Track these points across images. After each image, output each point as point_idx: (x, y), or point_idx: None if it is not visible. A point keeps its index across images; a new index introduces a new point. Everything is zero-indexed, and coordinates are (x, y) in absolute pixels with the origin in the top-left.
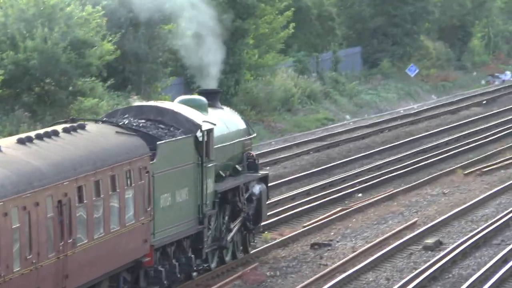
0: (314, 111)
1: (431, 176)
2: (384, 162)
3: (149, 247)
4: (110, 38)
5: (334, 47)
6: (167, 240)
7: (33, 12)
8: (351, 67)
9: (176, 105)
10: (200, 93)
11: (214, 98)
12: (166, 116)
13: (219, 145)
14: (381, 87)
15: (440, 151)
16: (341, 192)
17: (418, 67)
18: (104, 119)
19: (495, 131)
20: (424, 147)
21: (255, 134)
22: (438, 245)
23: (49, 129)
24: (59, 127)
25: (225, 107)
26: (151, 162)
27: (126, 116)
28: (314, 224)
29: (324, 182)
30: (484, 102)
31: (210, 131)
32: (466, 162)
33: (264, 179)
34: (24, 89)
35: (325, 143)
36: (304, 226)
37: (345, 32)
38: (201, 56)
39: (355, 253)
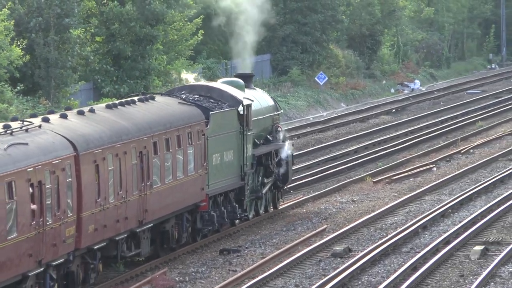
0: None
1: (340, 183)
2: (294, 169)
3: (205, 195)
4: (19, 43)
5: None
6: (218, 190)
7: None
8: (260, 74)
9: (221, 85)
10: (237, 76)
11: (249, 80)
12: (214, 93)
13: (254, 118)
14: (291, 94)
15: (349, 158)
16: None
17: (328, 75)
18: (167, 92)
19: (404, 139)
20: (333, 154)
21: (281, 111)
22: (347, 252)
23: (128, 98)
24: (135, 98)
25: (257, 88)
26: (206, 127)
27: (183, 92)
28: (224, 230)
29: None
30: (394, 110)
31: (249, 106)
32: (375, 170)
33: (289, 147)
34: None
35: None
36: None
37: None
38: None
39: (264, 260)
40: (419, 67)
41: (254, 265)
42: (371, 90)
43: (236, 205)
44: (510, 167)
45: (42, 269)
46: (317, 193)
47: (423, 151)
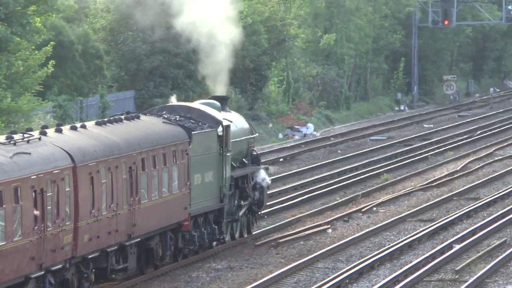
0: None
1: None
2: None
3: (187, 214)
4: None
5: (102, 91)
6: (199, 211)
7: None
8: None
9: (200, 105)
10: (213, 98)
11: (224, 103)
12: (194, 113)
13: (231, 140)
14: None
15: None
16: None
17: None
18: (151, 111)
19: (293, 194)
20: None
21: (257, 134)
22: None
23: (115, 116)
24: (122, 116)
25: (232, 111)
26: (189, 147)
27: (164, 112)
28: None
29: None
30: (281, 159)
31: (228, 127)
32: (258, 231)
33: (265, 171)
34: None
35: None
36: None
37: (116, 73)
38: None
39: None
40: (313, 108)
41: None
42: None
43: (216, 226)
44: (420, 229)
45: (42, 272)
46: (186, 259)
47: (316, 209)
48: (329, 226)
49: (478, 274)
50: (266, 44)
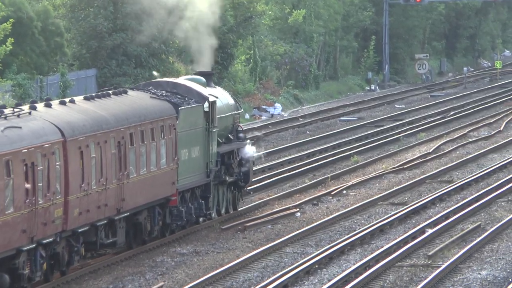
0: None
1: (181, 230)
2: None
3: (175, 189)
4: None
5: (63, 69)
6: (186, 186)
7: None
8: (84, 93)
9: (186, 81)
10: (198, 74)
11: (209, 78)
12: (180, 89)
13: (217, 116)
14: None
15: None
16: None
17: None
18: (138, 87)
19: (260, 177)
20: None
21: (242, 110)
22: None
23: (103, 91)
24: (109, 91)
25: (217, 87)
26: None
27: (150, 87)
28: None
29: None
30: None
31: (214, 103)
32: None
33: (251, 147)
34: None
35: None
36: None
37: (77, 51)
38: None
39: None
40: (280, 88)
41: None
42: None
43: (203, 202)
44: (392, 212)
45: (34, 245)
46: (152, 242)
47: (284, 192)
48: (297, 209)
49: (452, 260)
50: (232, 22)
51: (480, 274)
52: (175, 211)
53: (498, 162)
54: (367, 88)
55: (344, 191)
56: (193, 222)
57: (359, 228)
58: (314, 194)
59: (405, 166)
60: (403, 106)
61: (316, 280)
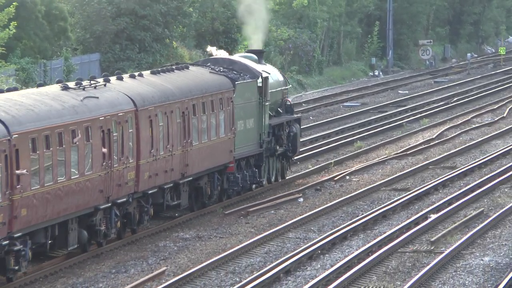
0: None
1: (183, 215)
2: None
3: (232, 157)
4: None
5: (66, 53)
6: (242, 155)
7: None
8: (88, 78)
9: (241, 58)
10: (249, 52)
11: (260, 56)
12: (236, 66)
13: (269, 91)
14: None
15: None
16: None
17: None
18: (197, 63)
19: None
20: None
21: (290, 85)
22: None
23: (167, 66)
24: (173, 66)
25: (267, 64)
26: (233, 95)
27: (208, 64)
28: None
29: None
30: None
31: (266, 78)
32: (227, 200)
33: (298, 120)
34: None
35: None
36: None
37: (80, 35)
38: None
39: None
40: (284, 73)
41: None
42: None
43: (256, 170)
44: (395, 198)
45: (109, 204)
46: (154, 227)
47: (286, 178)
48: (300, 195)
49: (454, 246)
50: (236, 6)
51: (482, 260)
52: (232, 177)
53: (501, 148)
54: (371, 73)
55: (347, 177)
56: (247, 188)
57: (362, 214)
58: (317, 179)
59: (408, 152)
60: (407, 92)
61: (319, 266)
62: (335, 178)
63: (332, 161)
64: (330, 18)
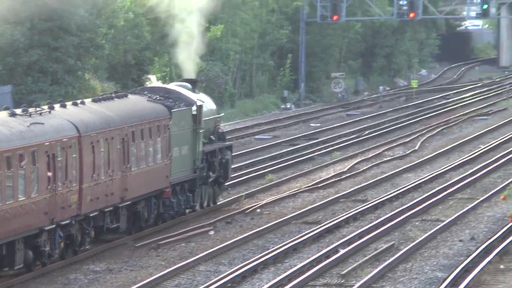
0: None
1: (95, 247)
2: None
3: (168, 182)
4: None
5: None
6: (177, 180)
7: None
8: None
9: (176, 87)
10: (184, 81)
11: (194, 85)
12: (171, 94)
13: (203, 119)
14: None
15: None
16: None
17: None
18: (135, 91)
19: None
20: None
21: (222, 114)
22: None
23: (107, 95)
24: (113, 94)
25: (200, 93)
26: (170, 123)
27: (145, 92)
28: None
29: None
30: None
31: (200, 106)
32: (139, 234)
33: (230, 148)
34: None
35: None
36: None
37: None
38: None
39: None
40: None
41: None
42: None
43: (190, 194)
44: (305, 231)
45: (53, 226)
46: (65, 260)
47: (218, 203)
48: (211, 228)
49: (365, 279)
50: (149, 38)
51: None
52: (167, 201)
53: (412, 182)
54: (283, 106)
55: (258, 210)
56: (181, 213)
57: (273, 247)
58: (228, 212)
59: (319, 185)
60: (319, 124)
61: None
62: (246, 211)
63: (243, 194)
64: (242, 51)
